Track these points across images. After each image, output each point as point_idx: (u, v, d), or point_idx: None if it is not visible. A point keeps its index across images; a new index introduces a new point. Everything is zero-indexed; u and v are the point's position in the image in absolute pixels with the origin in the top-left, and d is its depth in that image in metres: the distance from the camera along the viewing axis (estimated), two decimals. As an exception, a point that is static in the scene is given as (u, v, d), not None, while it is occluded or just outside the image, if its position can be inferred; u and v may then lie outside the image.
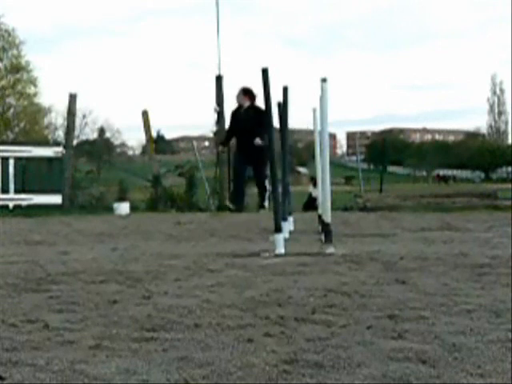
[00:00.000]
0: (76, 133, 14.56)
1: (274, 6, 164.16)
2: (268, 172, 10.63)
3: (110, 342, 2.42)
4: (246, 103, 10.95)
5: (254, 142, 10.56)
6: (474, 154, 79.32)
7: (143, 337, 2.51)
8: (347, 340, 2.42)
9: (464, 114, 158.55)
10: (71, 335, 2.54)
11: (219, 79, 14.40)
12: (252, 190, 16.18)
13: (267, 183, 11.04)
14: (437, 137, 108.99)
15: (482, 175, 79.12)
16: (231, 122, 11.29)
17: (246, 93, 11.04)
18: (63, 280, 3.91)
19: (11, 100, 41.48)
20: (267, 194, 11.18)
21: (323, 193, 5.89)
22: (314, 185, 14.85)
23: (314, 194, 14.79)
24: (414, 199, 14.34)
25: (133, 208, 13.41)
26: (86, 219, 10.21)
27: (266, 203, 11.14)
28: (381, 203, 13.86)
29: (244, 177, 11.26)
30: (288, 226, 7.03)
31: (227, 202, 11.25)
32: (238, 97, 11.10)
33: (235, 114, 11.22)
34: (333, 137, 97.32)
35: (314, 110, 7.81)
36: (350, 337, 2.47)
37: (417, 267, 4.28)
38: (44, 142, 24.35)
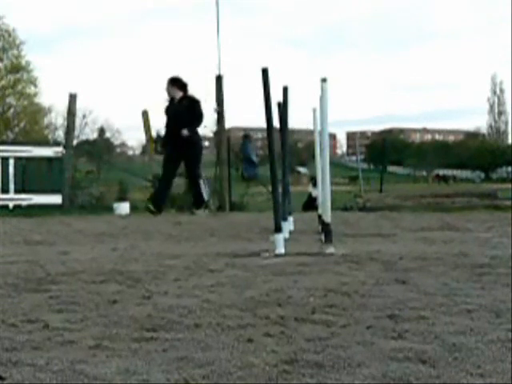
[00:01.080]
0: (76, 133, 14.57)
1: (274, 6, 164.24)
2: (201, 172, 10.22)
3: (110, 342, 2.42)
4: (178, 94, 10.03)
5: (181, 132, 9.60)
6: (473, 154, 79.29)
7: (143, 337, 2.51)
8: (347, 340, 2.42)
9: (464, 114, 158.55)
10: (71, 335, 2.54)
11: (219, 79, 14.39)
12: (252, 190, 16.20)
13: (202, 183, 10.16)
14: (437, 137, 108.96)
15: (482, 175, 79.10)
16: (167, 119, 10.25)
17: (175, 82, 10.12)
18: (63, 280, 3.91)
19: (11, 100, 41.51)
20: (205, 193, 10.13)
21: (323, 193, 5.89)
22: (314, 185, 14.30)
23: (313, 194, 14.34)
24: (414, 199, 14.35)
25: (133, 208, 13.41)
26: (86, 219, 10.21)
27: (204, 201, 10.07)
28: (381, 203, 13.86)
29: (172, 176, 10.22)
30: (288, 225, 7.03)
31: (148, 204, 10.07)
32: (168, 89, 10.14)
33: (169, 109, 10.22)
34: (333, 137, 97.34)
35: (314, 110, 7.81)
36: (350, 337, 2.47)
37: (417, 267, 4.28)
38: (44, 142, 24.36)
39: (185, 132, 9.67)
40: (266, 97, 5.42)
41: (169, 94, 10.16)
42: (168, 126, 10.16)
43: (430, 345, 2.34)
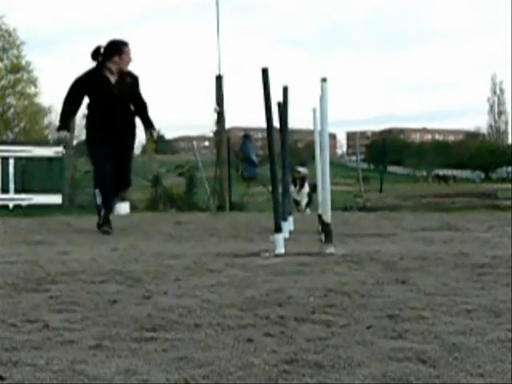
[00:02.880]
0: (76, 133, 14.55)
1: (273, 6, 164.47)
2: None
3: (110, 342, 2.42)
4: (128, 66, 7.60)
5: (153, 133, 7.78)
6: (474, 154, 79.32)
7: (143, 337, 2.51)
8: (347, 340, 2.42)
9: (464, 113, 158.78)
10: (71, 335, 2.54)
11: (219, 79, 14.40)
12: (252, 190, 16.20)
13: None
14: (437, 137, 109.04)
15: (482, 175, 79.08)
16: (87, 89, 7.43)
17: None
18: (63, 280, 3.91)
19: (11, 100, 41.52)
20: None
21: (323, 193, 5.89)
22: (300, 186, 12.05)
23: (297, 198, 11.65)
24: (414, 199, 14.36)
25: (133, 208, 13.41)
26: (86, 219, 10.20)
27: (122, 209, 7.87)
28: (381, 203, 13.87)
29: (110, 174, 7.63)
30: (288, 225, 7.03)
31: (100, 222, 7.63)
32: (128, 55, 7.50)
33: (99, 77, 7.44)
34: (333, 137, 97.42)
35: (314, 110, 7.81)
36: (350, 337, 2.47)
37: (417, 267, 4.28)
38: (44, 142, 24.38)
39: (156, 133, 8.03)
40: (265, 97, 5.41)
41: (127, 62, 7.55)
42: (105, 109, 7.47)
43: (429, 345, 2.34)
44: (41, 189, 13.19)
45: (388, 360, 2.16)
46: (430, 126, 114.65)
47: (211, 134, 16.88)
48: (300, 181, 11.13)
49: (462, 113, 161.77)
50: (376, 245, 5.81)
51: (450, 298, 3.21)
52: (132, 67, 7.72)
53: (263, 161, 18.34)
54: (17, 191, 13.18)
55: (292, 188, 10.53)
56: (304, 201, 10.83)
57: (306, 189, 10.84)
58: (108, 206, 7.62)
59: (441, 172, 73.34)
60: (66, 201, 13.29)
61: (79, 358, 2.21)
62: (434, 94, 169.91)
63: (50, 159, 13.45)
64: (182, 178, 16.35)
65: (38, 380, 2.00)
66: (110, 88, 7.44)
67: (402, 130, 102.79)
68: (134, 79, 7.65)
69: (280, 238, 5.26)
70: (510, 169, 71.41)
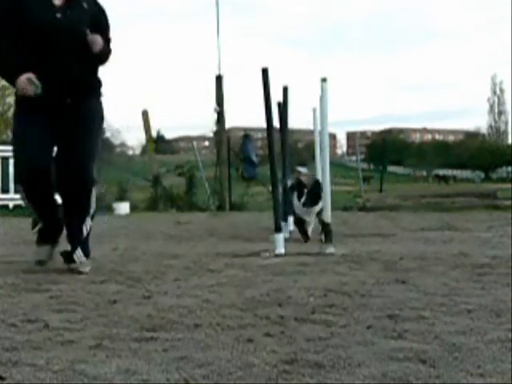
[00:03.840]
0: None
1: (274, 6, 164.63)
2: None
3: (110, 342, 2.42)
4: None
5: (93, 44, 4.13)
6: (473, 154, 79.32)
7: (143, 337, 2.51)
8: (347, 340, 2.42)
9: (464, 113, 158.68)
10: (71, 335, 2.54)
11: (219, 79, 14.40)
12: (252, 190, 16.18)
13: (93, 195, 4.47)
14: (437, 137, 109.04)
15: (482, 175, 79.08)
16: (12, 16, 4.13)
17: None
18: (63, 280, 3.91)
19: (11, 100, 41.51)
20: (88, 222, 4.36)
21: (323, 193, 5.88)
22: (300, 194, 6.84)
23: (299, 212, 6.94)
24: (414, 199, 14.36)
25: (133, 208, 13.42)
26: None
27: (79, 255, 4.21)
28: (381, 203, 13.87)
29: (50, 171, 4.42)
30: (288, 226, 7.03)
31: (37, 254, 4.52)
32: None
33: (41, 7, 4.14)
34: (333, 137, 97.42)
35: (314, 110, 7.81)
36: (350, 337, 2.47)
37: (417, 267, 4.28)
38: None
39: (98, 43, 4.17)
40: (265, 97, 5.42)
41: None
42: (42, 51, 4.13)
43: (429, 345, 2.34)
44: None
45: (388, 360, 2.16)
46: (430, 125, 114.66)
47: (211, 134, 16.90)
48: (311, 194, 6.39)
49: (461, 113, 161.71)
50: (376, 245, 5.82)
51: (450, 297, 3.21)
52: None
53: (263, 161, 18.34)
54: (17, 191, 13.18)
55: (295, 201, 6.55)
56: (312, 224, 6.60)
57: (320, 205, 6.17)
58: (49, 220, 4.73)
59: (441, 172, 73.30)
60: (66, 201, 13.27)
61: (79, 358, 2.20)
62: (433, 94, 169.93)
63: (49, 159, 13.44)
64: (182, 178, 16.35)
65: (38, 380, 2.00)
66: (50, 13, 4.19)
67: (401, 130, 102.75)
68: (100, 11, 4.40)
69: (280, 237, 5.26)
70: (510, 169, 71.43)
